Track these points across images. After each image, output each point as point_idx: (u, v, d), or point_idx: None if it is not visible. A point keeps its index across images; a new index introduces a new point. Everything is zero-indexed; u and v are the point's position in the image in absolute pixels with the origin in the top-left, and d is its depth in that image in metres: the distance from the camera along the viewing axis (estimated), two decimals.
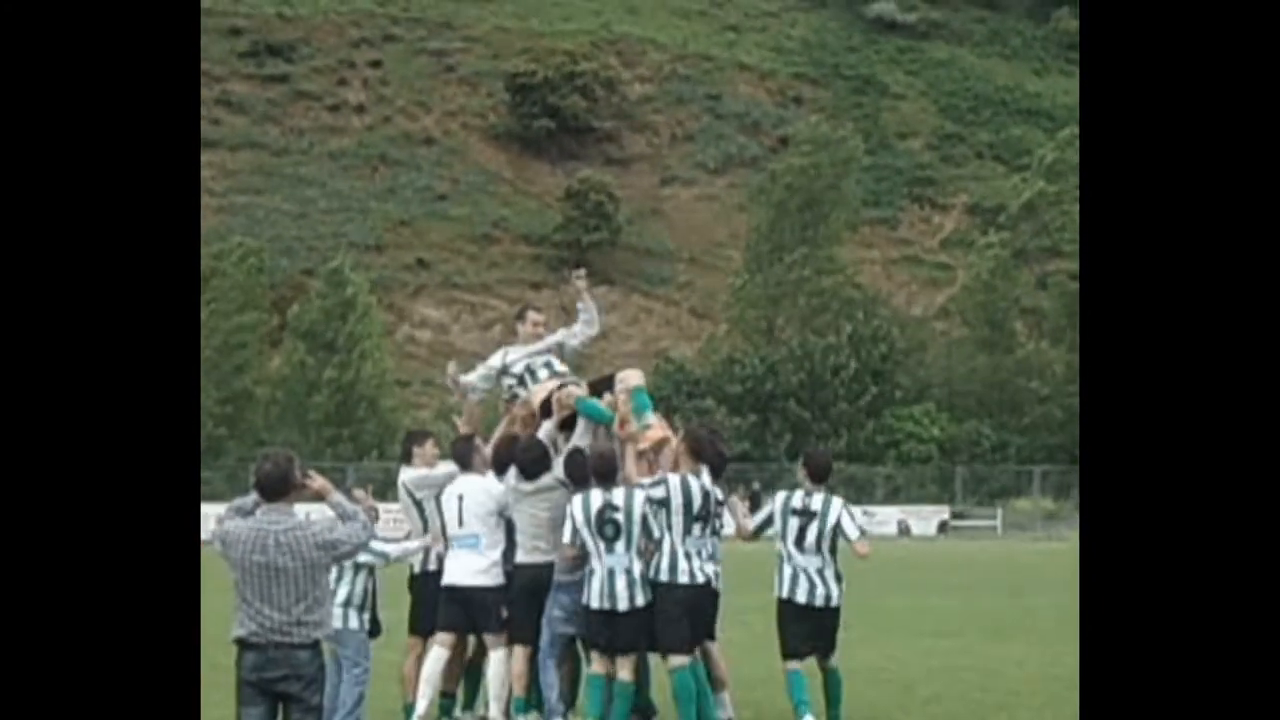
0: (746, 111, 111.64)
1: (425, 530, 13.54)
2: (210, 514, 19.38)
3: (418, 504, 13.59)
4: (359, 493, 13.74)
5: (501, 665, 12.94)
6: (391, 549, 13.12)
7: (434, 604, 13.23)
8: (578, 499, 12.33)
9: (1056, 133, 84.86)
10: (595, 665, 12.48)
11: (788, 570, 12.88)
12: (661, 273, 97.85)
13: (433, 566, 13.38)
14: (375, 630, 13.33)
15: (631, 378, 13.23)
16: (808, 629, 12.90)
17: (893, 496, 69.22)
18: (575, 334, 14.01)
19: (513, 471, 12.96)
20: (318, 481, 8.95)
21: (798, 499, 12.92)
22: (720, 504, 12.77)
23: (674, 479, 12.43)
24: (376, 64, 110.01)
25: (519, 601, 12.85)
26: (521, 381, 13.72)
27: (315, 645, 8.58)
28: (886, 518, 65.92)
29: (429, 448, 13.81)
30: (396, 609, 13.69)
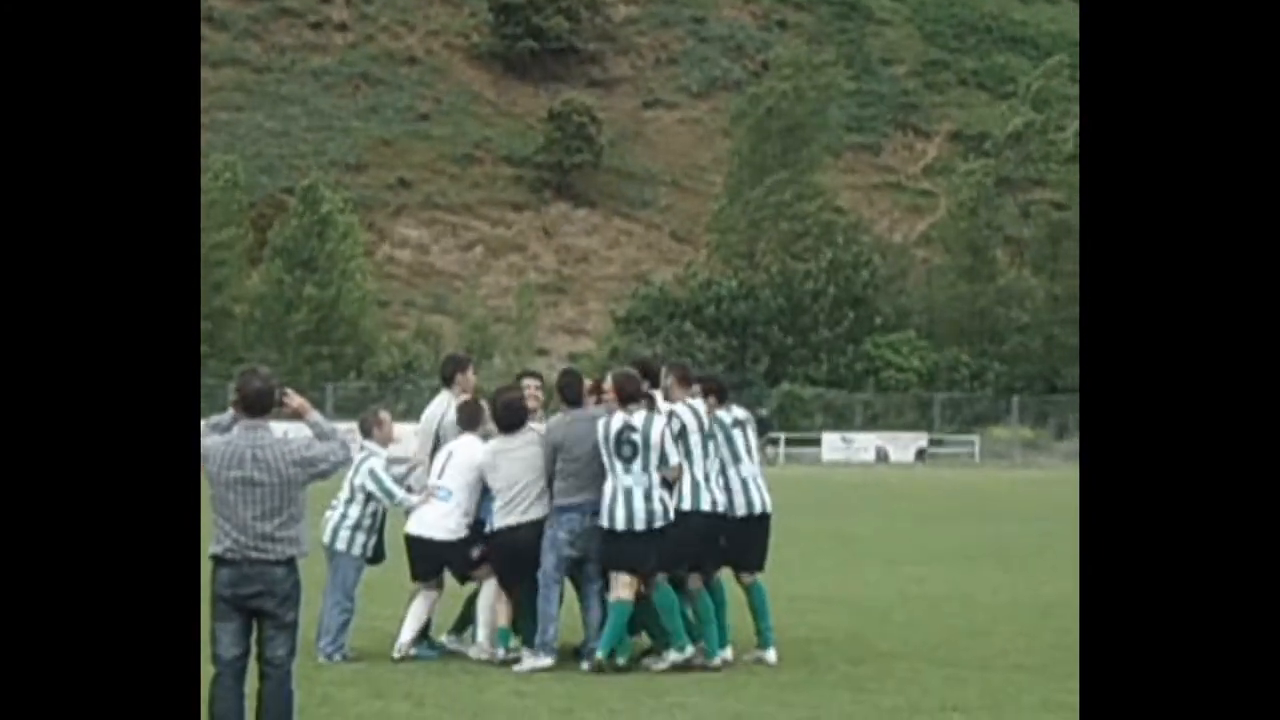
0: (730, 34, 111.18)
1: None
2: None
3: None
4: (384, 414, 13.71)
5: (491, 592, 12.94)
6: (399, 493, 13.05)
7: None
8: (602, 421, 12.41)
9: (1042, 61, 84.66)
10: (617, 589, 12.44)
11: (737, 484, 12.83)
12: (643, 196, 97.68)
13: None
14: (379, 555, 13.33)
15: None
16: (756, 538, 12.97)
17: (871, 423, 69.32)
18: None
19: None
20: (296, 400, 8.90)
21: (725, 415, 12.97)
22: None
23: (681, 407, 12.51)
24: None
25: (503, 565, 12.79)
26: None
27: (290, 562, 8.53)
28: (865, 444, 66.15)
29: (470, 375, 13.76)
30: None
